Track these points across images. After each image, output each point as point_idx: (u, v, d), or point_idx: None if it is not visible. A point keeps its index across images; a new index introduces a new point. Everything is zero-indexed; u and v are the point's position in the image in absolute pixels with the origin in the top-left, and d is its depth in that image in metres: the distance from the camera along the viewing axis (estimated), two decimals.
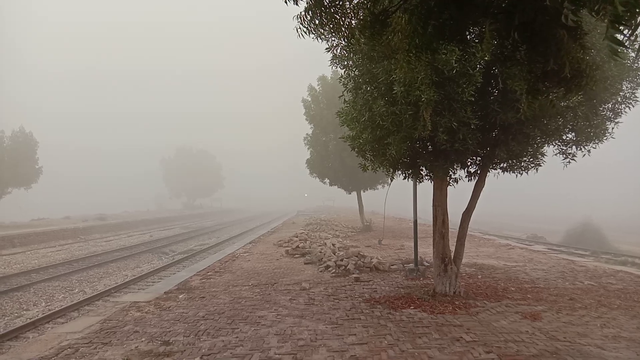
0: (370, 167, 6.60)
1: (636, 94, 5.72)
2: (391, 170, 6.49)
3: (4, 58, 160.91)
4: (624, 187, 71.40)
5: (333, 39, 4.15)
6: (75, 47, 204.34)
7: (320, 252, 11.23)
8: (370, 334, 4.92)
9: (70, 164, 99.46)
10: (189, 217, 49.88)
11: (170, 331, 5.26)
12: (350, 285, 7.80)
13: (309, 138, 20.47)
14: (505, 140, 5.75)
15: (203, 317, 5.86)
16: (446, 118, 5.14)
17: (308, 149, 20.60)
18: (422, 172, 6.54)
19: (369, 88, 5.82)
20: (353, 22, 3.49)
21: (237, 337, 4.93)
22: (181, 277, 9.33)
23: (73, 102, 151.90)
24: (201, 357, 4.33)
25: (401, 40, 3.08)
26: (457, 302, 6.08)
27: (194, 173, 73.21)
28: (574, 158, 6.04)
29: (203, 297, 7.13)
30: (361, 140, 6.09)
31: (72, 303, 9.22)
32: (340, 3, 3.40)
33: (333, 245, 12.78)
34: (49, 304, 9.76)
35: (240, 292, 7.48)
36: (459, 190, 6.88)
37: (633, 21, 2.12)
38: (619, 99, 5.74)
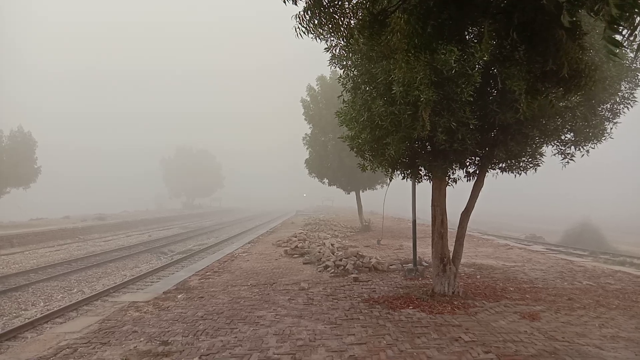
0: (369, 167, 6.59)
1: (635, 95, 5.73)
2: (390, 170, 6.49)
3: (4, 58, 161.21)
4: (622, 187, 71.70)
5: (332, 39, 4.12)
6: (75, 47, 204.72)
7: (319, 252, 11.22)
8: (369, 334, 4.91)
9: (70, 164, 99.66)
10: (189, 217, 49.86)
11: (168, 331, 5.25)
12: (349, 285, 7.80)
13: (308, 138, 20.45)
14: (504, 141, 5.75)
15: (202, 317, 5.85)
16: (445, 118, 5.14)
17: (307, 149, 20.57)
18: (420, 172, 6.54)
19: (367, 88, 5.81)
20: (352, 22, 3.47)
21: (235, 337, 4.92)
22: (180, 277, 9.32)
23: (73, 102, 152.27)
24: (200, 357, 4.32)
25: (400, 40, 3.08)
26: (455, 302, 6.09)
27: (194, 173, 73.22)
28: (573, 158, 6.06)
29: (202, 297, 7.12)
30: (360, 140, 6.09)
31: (71, 303, 9.19)
32: (339, 3, 3.39)
33: (332, 245, 12.78)
34: (47, 304, 9.73)
35: (239, 292, 7.47)
36: (458, 190, 6.88)
37: (631, 21, 2.12)
38: (618, 99, 5.76)
